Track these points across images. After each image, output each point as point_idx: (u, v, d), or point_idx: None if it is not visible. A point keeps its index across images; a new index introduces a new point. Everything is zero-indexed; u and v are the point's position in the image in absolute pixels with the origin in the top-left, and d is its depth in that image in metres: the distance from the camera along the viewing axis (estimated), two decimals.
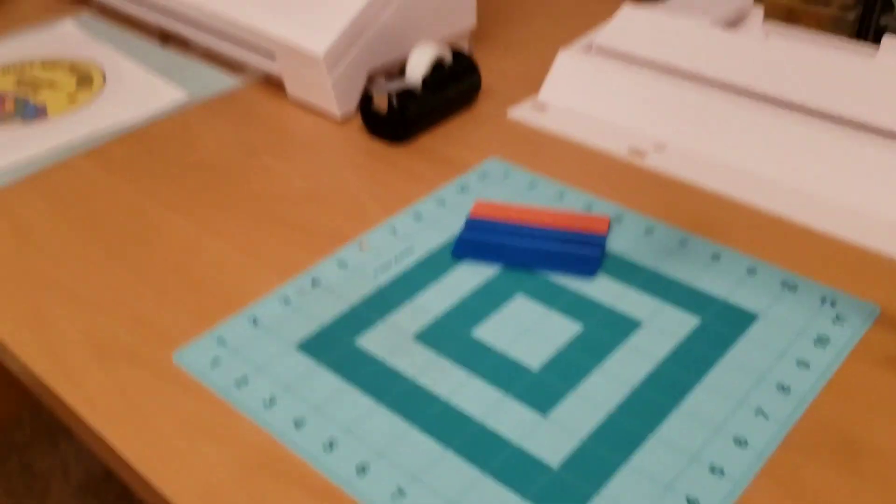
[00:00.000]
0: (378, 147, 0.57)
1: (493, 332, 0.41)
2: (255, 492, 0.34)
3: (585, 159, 0.55)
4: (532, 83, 0.63)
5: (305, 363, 0.40)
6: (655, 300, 0.43)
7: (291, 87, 0.62)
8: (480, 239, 0.47)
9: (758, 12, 0.65)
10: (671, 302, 0.42)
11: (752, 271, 0.44)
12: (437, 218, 0.49)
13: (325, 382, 0.39)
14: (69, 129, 0.60)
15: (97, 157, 0.57)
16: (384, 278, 0.45)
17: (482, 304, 0.43)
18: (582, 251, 0.46)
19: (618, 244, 0.47)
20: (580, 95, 0.60)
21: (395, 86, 0.57)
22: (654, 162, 0.54)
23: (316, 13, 0.59)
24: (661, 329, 0.41)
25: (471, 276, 0.45)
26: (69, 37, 0.74)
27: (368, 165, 0.55)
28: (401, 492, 0.34)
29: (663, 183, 0.52)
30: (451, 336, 0.41)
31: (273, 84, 0.65)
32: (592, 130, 0.57)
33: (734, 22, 0.64)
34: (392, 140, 0.57)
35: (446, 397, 0.38)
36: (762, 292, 0.43)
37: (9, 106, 0.64)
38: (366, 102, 0.57)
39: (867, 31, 1.39)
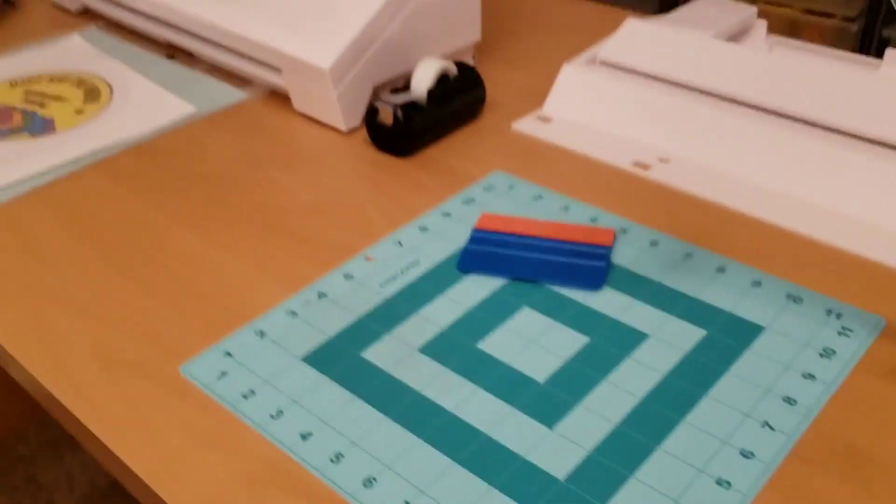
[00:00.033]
0: (383, 159, 0.57)
1: (499, 344, 0.41)
2: None
3: (590, 172, 0.55)
4: (536, 96, 0.64)
5: (312, 376, 0.40)
6: (661, 312, 0.43)
7: (297, 101, 0.63)
8: (486, 251, 0.47)
9: (761, 25, 0.65)
10: (677, 314, 0.42)
11: (757, 283, 0.44)
12: (442, 230, 0.50)
13: (332, 395, 0.39)
14: (77, 142, 0.61)
15: (104, 169, 0.58)
16: (390, 291, 0.45)
17: (488, 316, 0.43)
18: (587, 263, 0.46)
19: (623, 257, 0.47)
20: (584, 108, 0.60)
21: (400, 99, 0.57)
22: (659, 174, 0.54)
23: (321, 27, 0.60)
24: (667, 341, 0.41)
25: (476, 289, 0.45)
26: (76, 51, 0.74)
27: (374, 178, 0.55)
28: None
29: (668, 195, 0.52)
30: (457, 348, 0.41)
31: (279, 97, 0.66)
32: (597, 143, 0.57)
33: (738, 35, 0.64)
34: (397, 153, 0.57)
35: (452, 410, 0.38)
36: (768, 304, 0.43)
37: (16, 120, 0.64)
38: (371, 116, 0.57)
39: (870, 43, 1.39)
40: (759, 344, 0.40)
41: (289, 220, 0.52)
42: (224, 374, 0.41)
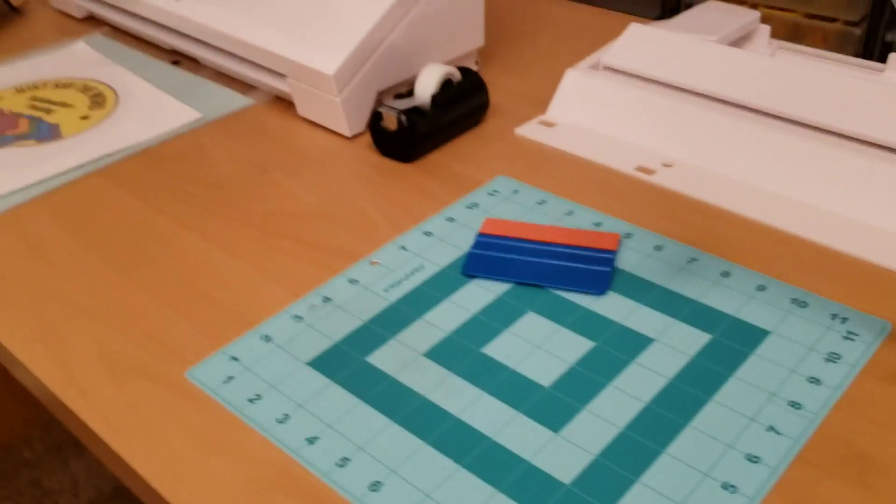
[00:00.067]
0: (387, 165, 0.58)
1: (504, 349, 0.41)
2: None
3: (594, 177, 0.55)
4: (540, 101, 0.64)
5: (318, 380, 0.40)
6: (666, 317, 0.43)
7: (302, 107, 0.63)
8: (490, 256, 0.47)
9: (764, 30, 0.66)
10: (682, 319, 0.42)
11: (762, 288, 0.44)
12: (446, 235, 0.50)
13: (338, 399, 0.39)
14: (82, 148, 0.61)
15: (110, 175, 0.58)
16: (395, 295, 0.45)
17: (493, 321, 0.43)
18: (592, 268, 0.46)
19: (627, 261, 0.47)
20: (588, 113, 0.60)
21: (404, 104, 0.57)
22: (663, 179, 0.54)
23: (326, 34, 0.60)
24: (672, 346, 0.41)
25: (481, 294, 0.45)
26: (82, 57, 0.75)
27: (378, 183, 0.55)
28: None
29: (672, 200, 0.52)
30: (462, 353, 0.41)
31: (284, 103, 0.66)
32: (600, 148, 0.57)
33: (740, 39, 0.64)
34: (401, 159, 0.58)
35: (458, 414, 0.38)
36: (773, 309, 0.43)
37: (23, 126, 0.64)
38: (375, 121, 0.58)
39: (873, 47, 1.39)
40: (765, 348, 0.40)
41: (294, 225, 0.52)
42: (230, 378, 0.41)
